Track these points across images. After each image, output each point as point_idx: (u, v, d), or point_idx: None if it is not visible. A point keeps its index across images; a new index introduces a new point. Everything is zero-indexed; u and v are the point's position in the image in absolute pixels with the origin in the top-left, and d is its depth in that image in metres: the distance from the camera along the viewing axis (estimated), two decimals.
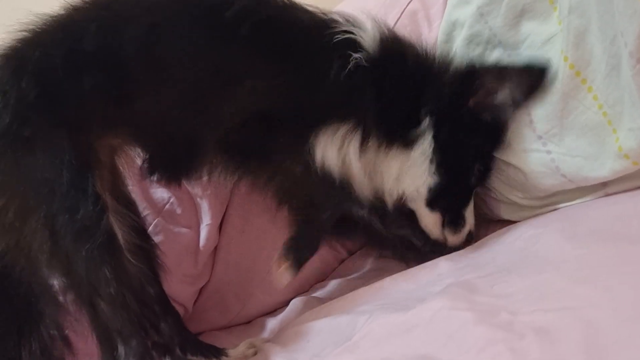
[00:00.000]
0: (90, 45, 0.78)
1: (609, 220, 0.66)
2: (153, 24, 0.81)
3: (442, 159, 0.85)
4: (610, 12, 0.68)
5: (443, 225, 0.89)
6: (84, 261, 0.75)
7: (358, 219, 0.94)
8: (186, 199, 1.05)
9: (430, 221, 0.89)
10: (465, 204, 0.90)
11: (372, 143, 0.84)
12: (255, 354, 0.92)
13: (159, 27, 0.81)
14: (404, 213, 0.90)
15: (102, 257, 0.75)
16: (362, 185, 0.87)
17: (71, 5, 0.83)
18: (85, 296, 0.76)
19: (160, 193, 1.05)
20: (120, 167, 0.91)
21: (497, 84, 0.84)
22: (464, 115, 0.85)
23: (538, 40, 0.81)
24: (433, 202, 0.87)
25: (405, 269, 0.92)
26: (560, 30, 0.77)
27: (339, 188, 0.85)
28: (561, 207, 0.82)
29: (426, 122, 0.84)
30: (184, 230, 1.05)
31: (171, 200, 1.05)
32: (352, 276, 1.06)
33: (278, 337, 0.87)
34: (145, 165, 0.92)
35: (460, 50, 0.92)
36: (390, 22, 1.07)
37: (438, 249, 0.90)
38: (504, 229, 0.85)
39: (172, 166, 0.91)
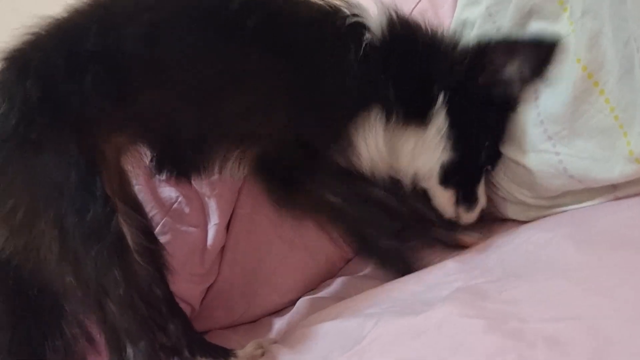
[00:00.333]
0: (92, 45, 0.78)
1: (619, 227, 0.65)
2: (154, 23, 0.81)
3: (455, 135, 0.86)
4: (623, 15, 0.68)
5: (457, 202, 0.90)
6: (94, 262, 0.75)
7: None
8: (194, 198, 1.05)
9: (443, 199, 0.91)
10: (477, 182, 0.91)
11: (391, 124, 0.86)
12: (263, 354, 0.92)
13: (159, 26, 0.81)
14: (418, 192, 0.91)
15: (111, 259, 0.75)
16: (379, 165, 0.88)
17: (73, 7, 0.83)
18: (94, 297, 0.76)
19: (168, 192, 1.05)
20: (127, 168, 0.91)
21: (506, 58, 0.84)
22: (475, 91, 0.86)
23: None
24: (446, 179, 0.89)
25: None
26: (572, 32, 0.76)
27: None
28: (570, 209, 0.81)
29: (440, 99, 0.85)
30: (191, 229, 1.05)
31: (179, 199, 1.05)
32: (358, 275, 1.05)
33: (285, 338, 0.87)
34: (153, 163, 0.92)
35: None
36: None
37: (451, 226, 0.91)
38: (511, 231, 0.85)
39: (180, 164, 0.91)
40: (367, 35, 0.83)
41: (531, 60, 0.81)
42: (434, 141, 0.86)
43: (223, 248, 1.08)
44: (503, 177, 0.89)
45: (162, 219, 1.03)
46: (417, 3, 1.09)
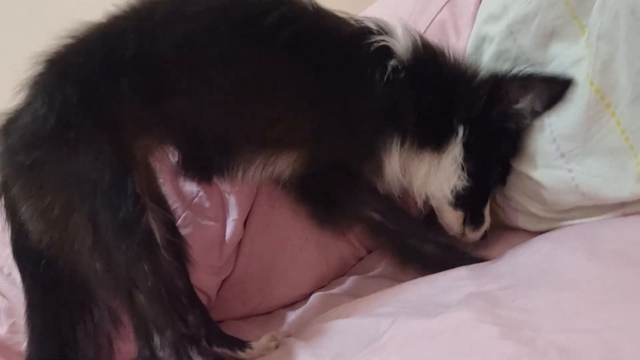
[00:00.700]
0: (129, 53, 0.82)
1: (627, 243, 0.69)
2: (190, 32, 0.85)
3: (470, 164, 0.91)
4: (638, 43, 0.71)
5: (464, 222, 0.95)
6: (124, 256, 0.79)
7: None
8: (214, 193, 1.09)
9: (452, 218, 0.96)
10: (485, 204, 0.96)
11: (407, 145, 0.90)
12: (277, 347, 0.97)
13: (196, 35, 0.85)
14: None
15: (140, 253, 0.80)
16: (394, 184, 0.93)
17: (112, 14, 0.87)
18: (124, 288, 0.81)
19: (190, 187, 1.09)
20: (154, 165, 0.95)
21: (521, 92, 0.88)
22: (490, 122, 0.90)
23: (566, 62, 0.84)
24: (456, 201, 0.93)
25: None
26: (588, 55, 0.80)
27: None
28: (578, 223, 0.85)
29: (460, 131, 0.89)
30: (211, 223, 1.09)
31: (200, 194, 1.09)
32: (370, 274, 1.09)
33: (301, 333, 0.91)
34: (179, 163, 0.96)
35: (488, 65, 0.95)
36: (420, 30, 1.09)
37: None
38: (521, 241, 0.89)
39: (205, 165, 0.95)
40: (394, 59, 0.87)
41: (543, 96, 0.85)
42: (449, 168, 0.90)
43: (240, 242, 1.12)
44: (515, 190, 0.93)
45: (184, 213, 1.08)
46: (437, 13, 1.12)
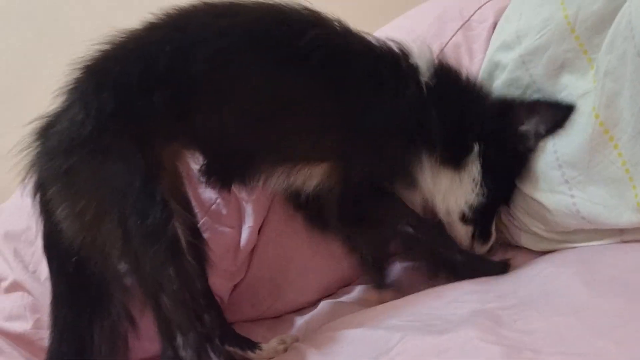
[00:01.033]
0: (163, 65, 0.86)
1: (624, 270, 0.74)
2: (224, 49, 0.89)
3: (484, 182, 0.96)
4: None
5: (473, 237, 1.01)
6: (151, 261, 0.83)
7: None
8: (232, 200, 1.14)
9: (462, 233, 1.01)
10: (492, 220, 1.01)
11: (432, 160, 0.96)
12: (285, 350, 1.01)
13: (229, 52, 0.89)
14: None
15: (167, 259, 0.84)
16: (422, 198, 0.99)
17: (148, 22, 0.91)
18: (151, 291, 0.85)
19: (209, 193, 1.14)
20: (180, 169, 1.00)
21: (526, 115, 0.94)
22: (500, 143, 0.96)
23: (574, 93, 0.89)
24: (468, 217, 0.99)
25: (421, 283, 1.02)
26: (595, 89, 0.84)
27: None
28: (579, 246, 0.90)
29: (475, 149, 0.95)
30: (227, 229, 1.14)
31: (218, 201, 1.14)
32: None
33: (312, 339, 0.95)
34: (202, 169, 1.00)
35: (500, 91, 1.00)
36: (435, 52, 1.14)
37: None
38: (524, 261, 0.94)
39: (228, 173, 0.99)
40: (421, 78, 0.92)
41: (548, 119, 0.91)
42: (466, 185, 0.96)
43: (254, 248, 1.17)
44: (520, 210, 0.98)
45: (202, 218, 1.12)
46: (452, 36, 1.17)
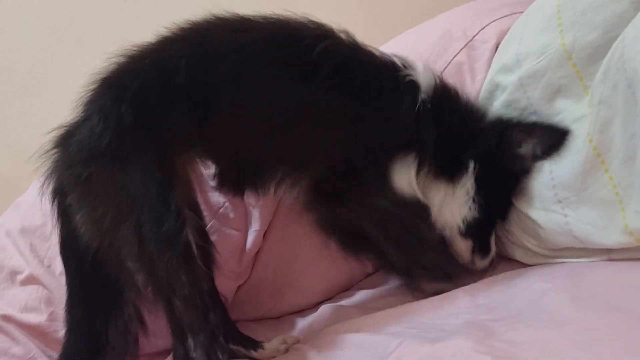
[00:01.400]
0: (182, 78, 0.91)
1: (608, 288, 0.79)
2: (240, 63, 0.93)
3: (479, 197, 1.01)
4: (633, 113, 0.80)
5: (473, 251, 1.05)
6: (165, 266, 0.88)
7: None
8: (239, 205, 1.19)
9: (462, 247, 1.05)
10: (491, 235, 1.05)
11: (424, 172, 1.00)
12: (286, 350, 1.06)
13: (245, 66, 0.94)
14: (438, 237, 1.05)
15: (179, 264, 0.89)
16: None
17: (165, 36, 0.96)
18: (164, 294, 0.90)
19: (217, 197, 1.19)
20: (192, 176, 1.04)
21: (524, 137, 0.98)
22: (496, 161, 1.00)
23: (569, 117, 0.94)
24: (466, 231, 1.03)
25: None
26: (589, 114, 0.89)
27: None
28: (568, 262, 0.95)
29: (470, 166, 0.99)
30: (234, 232, 1.19)
31: (225, 204, 1.19)
32: (376, 289, 1.19)
33: (313, 341, 1.00)
34: (216, 177, 1.05)
35: (498, 111, 1.05)
36: (438, 70, 1.19)
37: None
38: (516, 273, 0.99)
39: (240, 181, 1.04)
40: (422, 93, 0.97)
41: (544, 142, 0.96)
42: (461, 199, 1.01)
43: (258, 251, 1.22)
44: (514, 226, 1.03)
45: (210, 221, 1.17)
46: (456, 55, 1.21)
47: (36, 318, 1.13)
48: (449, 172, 1.00)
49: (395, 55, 1.04)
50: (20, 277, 1.17)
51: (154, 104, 0.91)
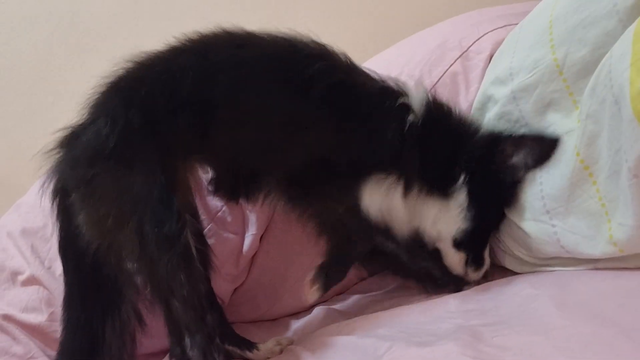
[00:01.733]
0: (188, 89, 0.95)
1: (594, 296, 0.81)
2: (241, 78, 0.97)
3: (472, 209, 1.03)
4: (619, 129, 0.83)
5: (466, 263, 1.07)
6: (165, 267, 0.91)
7: (386, 250, 1.11)
8: (236, 209, 1.22)
9: (455, 260, 1.07)
10: (484, 247, 1.08)
11: (414, 191, 1.02)
12: (281, 351, 1.09)
13: (245, 81, 0.97)
14: (431, 250, 1.08)
15: (179, 265, 0.92)
16: (403, 226, 1.05)
17: (172, 46, 0.99)
18: (163, 294, 0.93)
19: (215, 201, 1.22)
20: (191, 181, 1.08)
21: (514, 149, 1.01)
22: (488, 173, 1.03)
23: (559, 131, 0.96)
24: (460, 243, 1.05)
25: (414, 296, 1.10)
26: (578, 128, 0.92)
27: (377, 227, 1.02)
28: (556, 271, 0.98)
29: (461, 179, 1.02)
30: (231, 236, 1.22)
31: (223, 208, 1.22)
32: (370, 294, 1.23)
33: (306, 343, 1.03)
34: (212, 183, 1.08)
35: (491, 123, 1.08)
36: (434, 79, 1.22)
37: (456, 281, 1.08)
38: (506, 280, 1.02)
39: (234, 188, 1.07)
40: (411, 115, 1.00)
41: (534, 153, 0.99)
42: (455, 212, 1.03)
43: (255, 254, 1.25)
44: (505, 235, 1.05)
45: (209, 225, 1.20)
46: (451, 65, 1.24)
47: (36, 318, 1.15)
48: (442, 188, 1.03)
49: (392, 80, 1.06)
50: (21, 278, 1.19)
51: (160, 111, 0.95)
